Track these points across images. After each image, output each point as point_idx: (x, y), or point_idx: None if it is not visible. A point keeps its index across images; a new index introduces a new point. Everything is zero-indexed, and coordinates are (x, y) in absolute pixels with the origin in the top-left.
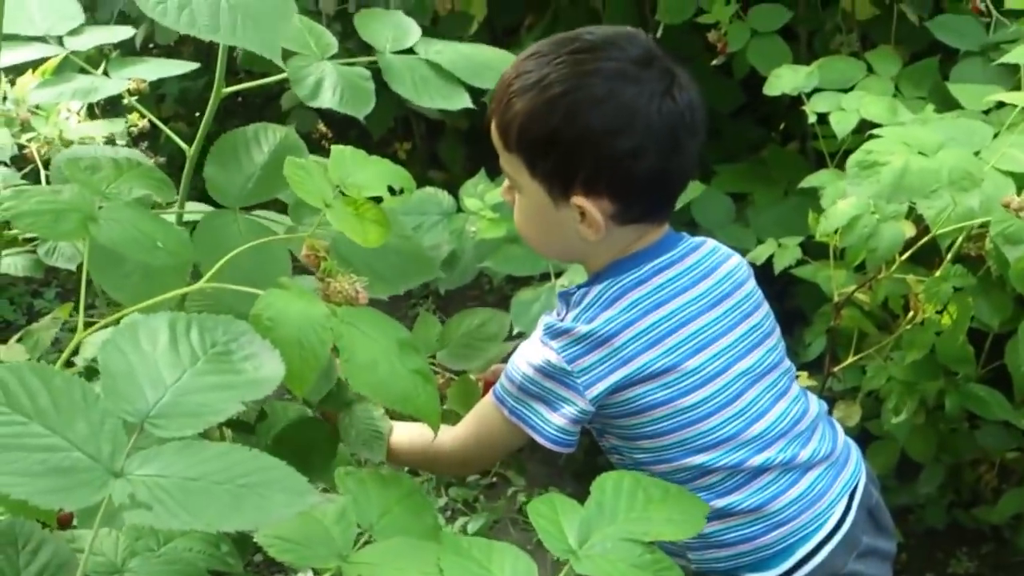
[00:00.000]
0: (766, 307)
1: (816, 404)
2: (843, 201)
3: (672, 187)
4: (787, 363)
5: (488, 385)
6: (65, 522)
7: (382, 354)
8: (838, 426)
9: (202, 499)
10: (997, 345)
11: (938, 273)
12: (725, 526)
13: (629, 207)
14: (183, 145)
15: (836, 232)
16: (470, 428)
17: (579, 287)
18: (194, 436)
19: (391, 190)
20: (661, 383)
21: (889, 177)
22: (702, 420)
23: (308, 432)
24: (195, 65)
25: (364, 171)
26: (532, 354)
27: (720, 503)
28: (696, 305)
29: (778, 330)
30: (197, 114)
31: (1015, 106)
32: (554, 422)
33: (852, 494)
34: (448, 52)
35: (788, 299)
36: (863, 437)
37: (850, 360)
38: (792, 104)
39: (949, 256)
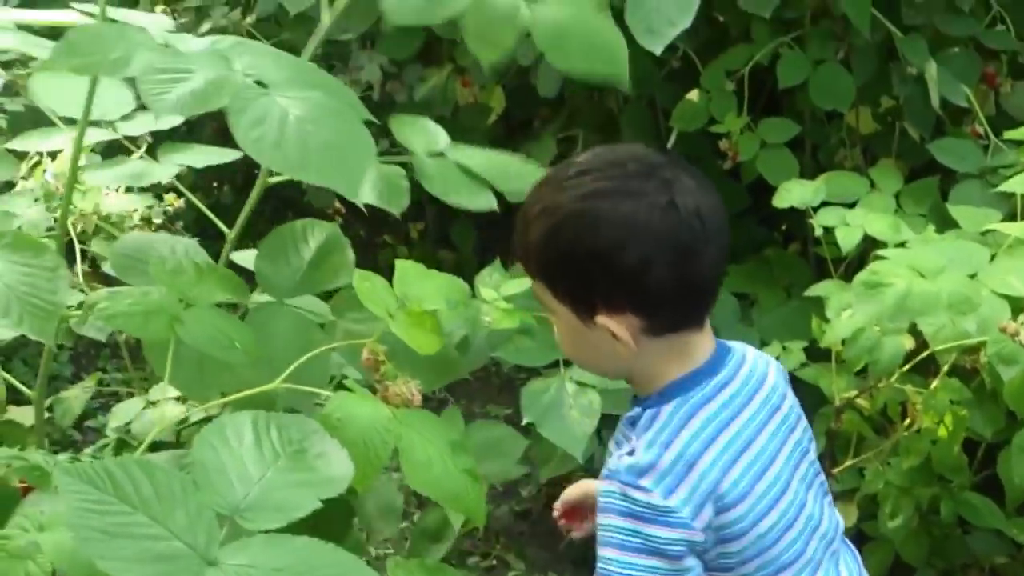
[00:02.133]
0: (802, 415)
1: (834, 518)
2: (847, 313)
3: (696, 294)
4: (820, 472)
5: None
6: None
7: (436, 454)
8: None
9: None
10: (989, 454)
11: (935, 386)
12: None
13: (655, 319)
14: (225, 229)
15: (841, 343)
16: None
17: (644, 409)
18: (279, 530)
19: (447, 303)
20: (745, 509)
21: (892, 299)
22: (776, 543)
23: (328, 507)
24: (240, 153)
25: (424, 285)
26: (622, 505)
27: None
28: (756, 423)
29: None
30: (215, 184)
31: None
32: (673, 569)
33: None
34: (477, 156)
35: None
36: (859, 538)
37: (849, 463)
38: (793, 208)
39: (945, 369)
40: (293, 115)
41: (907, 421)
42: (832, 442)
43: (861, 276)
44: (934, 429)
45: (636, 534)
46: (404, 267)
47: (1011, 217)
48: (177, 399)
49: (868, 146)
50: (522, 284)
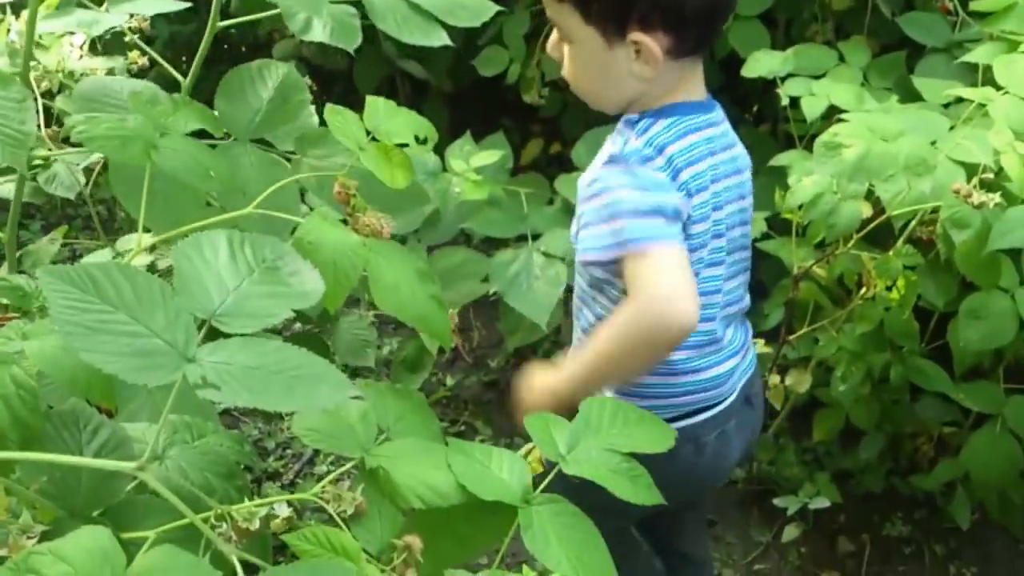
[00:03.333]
0: (751, 197)
1: (748, 299)
2: (808, 179)
3: (718, 19)
4: (749, 250)
5: None
6: (108, 416)
7: (404, 279)
8: (748, 323)
9: (262, 384)
10: (941, 324)
11: (890, 252)
12: (659, 381)
13: (683, 40)
14: (180, 78)
15: (799, 209)
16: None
17: (642, 117)
18: (253, 334)
19: (416, 139)
20: (702, 229)
21: (852, 158)
22: (704, 269)
23: (302, 345)
24: (189, 4)
25: (394, 120)
26: (629, 181)
27: (677, 357)
28: (725, 168)
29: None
30: (184, 58)
31: (972, 101)
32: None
33: (744, 384)
34: None
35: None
36: (811, 403)
37: (804, 330)
38: (766, 88)
39: (902, 237)
40: None
41: (863, 290)
42: (790, 311)
43: (822, 138)
44: (887, 296)
45: (643, 199)
46: (374, 103)
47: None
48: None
49: (840, 22)
50: (492, 156)
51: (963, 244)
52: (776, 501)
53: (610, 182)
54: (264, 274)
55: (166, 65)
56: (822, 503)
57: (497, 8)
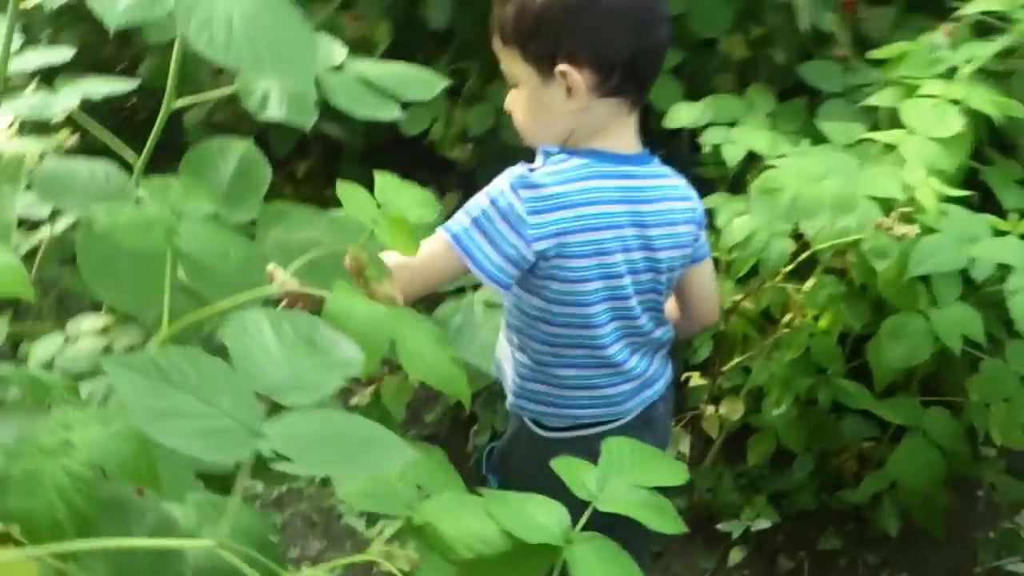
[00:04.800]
0: (686, 249)
1: (662, 334)
2: (739, 219)
3: (642, 68)
4: (665, 296)
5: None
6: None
7: (426, 345)
8: (666, 359)
9: (330, 453)
10: (855, 346)
11: (817, 282)
12: (551, 391)
13: (606, 78)
14: (131, 158)
15: (729, 249)
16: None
17: (561, 151)
18: (311, 406)
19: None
20: (586, 264)
21: (786, 201)
22: (603, 302)
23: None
24: (138, 82)
25: (401, 195)
26: (497, 196)
27: (563, 372)
28: (649, 218)
29: (674, 281)
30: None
31: (875, 141)
32: (495, 259)
33: (644, 408)
34: (376, 68)
35: None
36: (744, 430)
37: (736, 361)
38: (673, 133)
39: (819, 268)
40: (237, 14)
41: (787, 318)
42: (719, 344)
43: (757, 183)
44: (811, 324)
45: (489, 219)
46: (384, 178)
47: (874, 129)
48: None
49: (741, 71)
50: (427, 211)
51: (885, 272)
52: (720, 526)
53: (490, 185)
54: (307, 347)
55: (114, 144)
56: (762, 524)
57: (447, 82)
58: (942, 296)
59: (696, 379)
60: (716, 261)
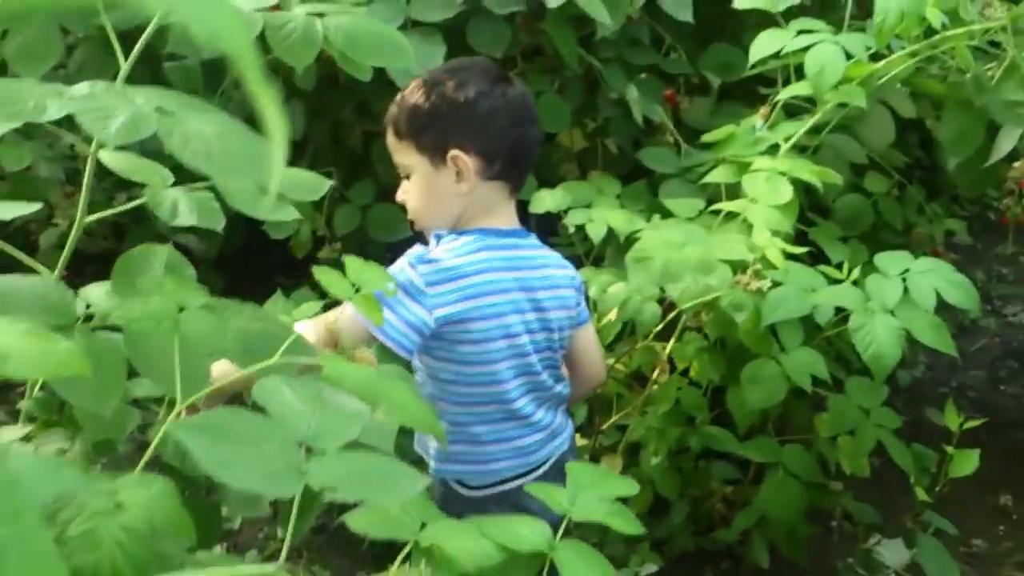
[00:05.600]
0: (570, 311)
1: (562, 388)
2: (614, 287)
3: (520, 155)
4: (559, 354)
5: None
6: None
7: (409, 399)
8: (566, 414)
9: (367, 483)
10: (714, 396)
11: (685, 338)
12: (470, 449)
13: (491, 163)
14: (40, 268)
15: (600, 318)
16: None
17: (451, 232)
18: (339, 450)
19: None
20: (488, 325)
21: (657, 267)
22: (498, 362)
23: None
24: (39, 205)
25: (370, 273)
26: (397, 273)
27: (479, 429)
28: (533, 283)
29: (565, 342)
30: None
31: (715, 212)
32: (398, 326)
33: (555, 458)
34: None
35: None
36: None
37: (613, 419)
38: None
39: (680, 326)
40: (210, 132)
41: (655, 375)
42: (594, 406)
43: (631, 254)
44: (678, 379)
45: (394, 298)
46: (353, 261)
47: (710, 203)
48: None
49: (580, 160)
50: (312, 308)
51: (744, 323)
52: None
53: (391, 266)
54: (321, 404)
55: (32, 261)
56: (650, 569)
57: (331, 183)
58: (788, 342)
59: (579, 439)
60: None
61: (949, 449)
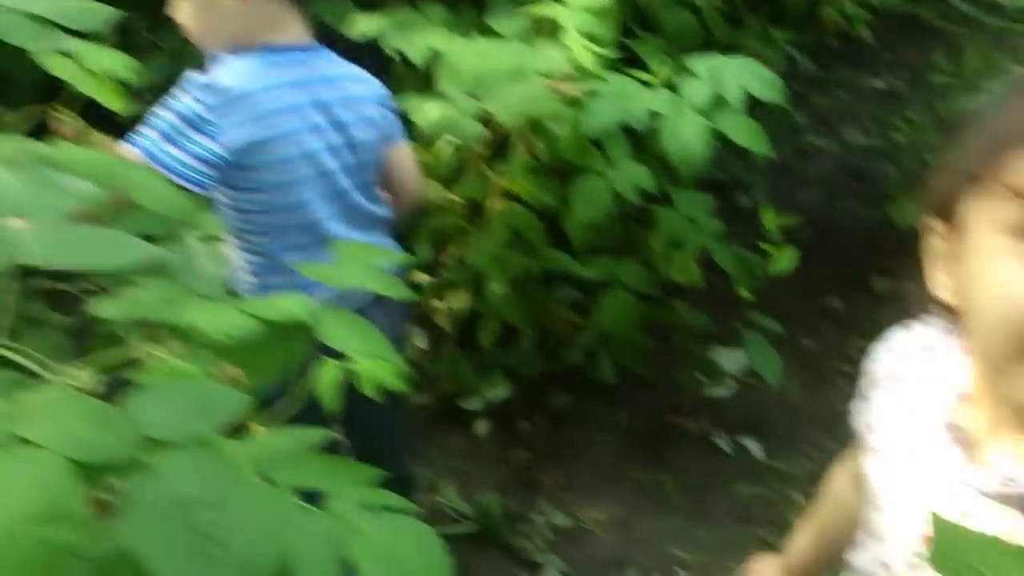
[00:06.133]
0: (377, 129)
1: (377, 209)
2: (431, 104)
3: None
4: (373, 173)
5: None
6: None
7: (152, 180)
8: (389, 239)
9: (86, 252)
10: (552, 225)
11: (513, 159)
12: (285, 279)
13: None
14: None
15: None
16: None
17: (232, 54)
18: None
19: None
20: (285, 147)
21: (469, 76)
22: (300, 183)
23: None
24: None
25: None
26: (176, 104)
27: (291, 257)
28: (316, 100)
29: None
30: None
31: (539, 33)
32: (189, 163)
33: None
34: (36, 4)
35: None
36: (472, 317)
37: (453, 252)
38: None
39: (517, 146)
40: None
41: (491, 204)
42: (436, 242)
43: (442, 66)
44: (514, 206)
45: (175, 129)
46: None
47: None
48: None
49: None
50: None
51: (566, 137)
52: (461, 403)
53: (170, 97)
54: (39, 182)
55: None
56: (500, 394)
57: (113, 11)
58: (614, 156)
59: (420, 276)
60: (420, 164)
61: (767, 248)
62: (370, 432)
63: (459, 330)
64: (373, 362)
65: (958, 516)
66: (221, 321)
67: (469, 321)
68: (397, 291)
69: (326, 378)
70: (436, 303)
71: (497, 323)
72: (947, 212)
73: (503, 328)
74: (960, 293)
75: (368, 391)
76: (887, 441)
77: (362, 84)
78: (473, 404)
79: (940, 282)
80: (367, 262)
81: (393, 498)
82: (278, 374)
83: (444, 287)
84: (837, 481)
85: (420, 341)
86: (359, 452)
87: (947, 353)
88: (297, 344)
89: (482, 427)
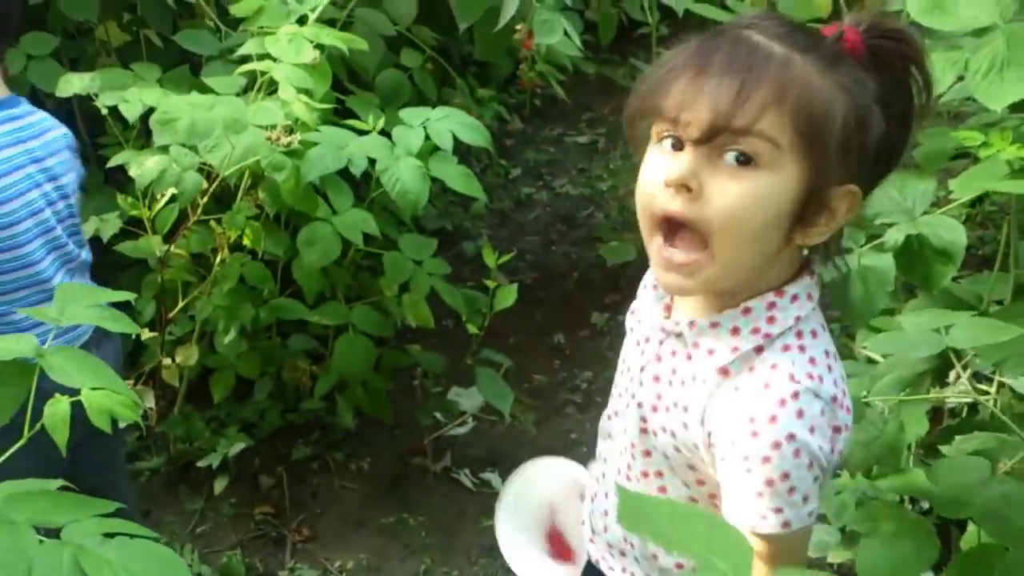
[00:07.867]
0: (73, 191)
1: (86, 254)
2: (149, 160)
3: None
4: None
5: None
6: None
7: None
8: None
9: None
10: (284, 276)
11: (235, 206)
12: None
13: None
14: None
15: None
16: None
17: None
18: None
19: None
20: (11, 208)
21: (184, 126)
22: (30, 243)
23: None
24: None
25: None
26: None
27: (19, 317)
28: (32, 155)
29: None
30: None
31: (256, 93)
32: None
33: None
34: None
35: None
36: (204, 372)
37: (179, 306)
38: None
39: (239, 197)
40: None
41: (219, 256)
42: (161, 299)
43: (155, 116)
44: (242, 256)
45: None
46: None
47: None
48: None
49: (121, 56)
50: None
51: (284, 183)
52: (199, 463)
53: None
54: None
55: None
56: (237, 448)
57: None
58: (338, 204)
59: (146, 335)
60: (141, 221)
61: (491, 284)
62: (94, 467)
63: (190, 387)
64: (103, 394)
65: (654, 345)
66: None
67: (201, 377)
68: (121, 325)
69: (55, 414)
70: (165, 361)
71: (231, 377)
72: (634, 132)
73: (238, 382)
74: None
75: (99, 422)
76: (633, 322)
77: (58, 130)
78: (211, 460)
79: None
80: (88, 302)
81: (131, 525)
82: (7, 413)
83: (172, 343)
84: None
85: (149, 401)
86: (86, 487)
87: None
88: (27, 379)
89: (221, 485)
